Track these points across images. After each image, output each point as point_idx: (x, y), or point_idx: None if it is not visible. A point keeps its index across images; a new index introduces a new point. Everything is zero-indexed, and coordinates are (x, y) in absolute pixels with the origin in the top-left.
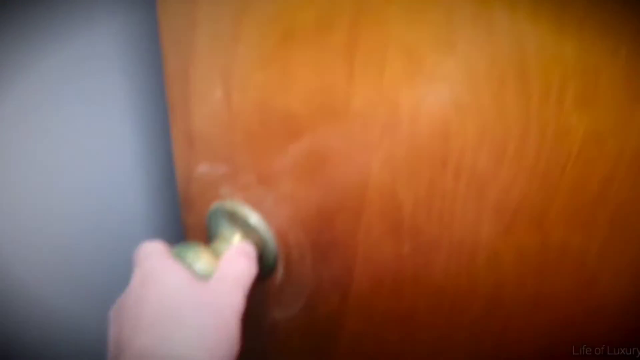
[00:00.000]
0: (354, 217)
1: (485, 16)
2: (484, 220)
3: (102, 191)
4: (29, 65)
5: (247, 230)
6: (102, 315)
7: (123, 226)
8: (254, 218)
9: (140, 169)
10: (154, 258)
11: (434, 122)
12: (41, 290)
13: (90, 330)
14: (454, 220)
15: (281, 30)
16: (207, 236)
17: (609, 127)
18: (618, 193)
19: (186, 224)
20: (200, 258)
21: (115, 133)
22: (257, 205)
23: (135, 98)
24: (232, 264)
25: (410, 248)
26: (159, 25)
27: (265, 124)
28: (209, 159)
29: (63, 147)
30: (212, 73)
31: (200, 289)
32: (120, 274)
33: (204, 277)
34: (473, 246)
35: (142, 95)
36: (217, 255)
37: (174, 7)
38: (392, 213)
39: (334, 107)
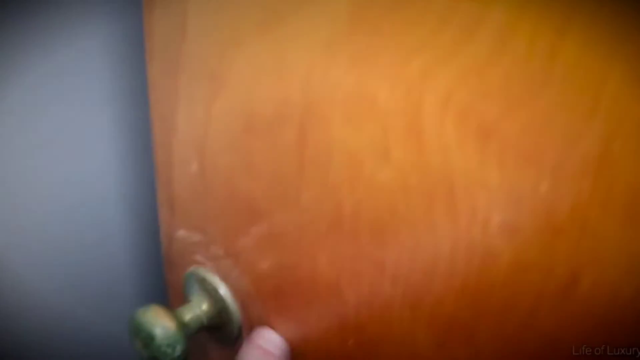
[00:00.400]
0: (305, 305)
1: (415, 132)
2: (419, 330)
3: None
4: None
5: (216, 299)
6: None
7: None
8: (222, 289)
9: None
10: None
11: (372, 227)
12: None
13: (75, 330)
14: (393, 325)
15: (244, 119)
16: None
17: (532, 257)
18: (543, 323)
19: (168, 280)
20: (157, 323)
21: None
22: (224, 277)
23: (118, 106)
24: None
25: (355, 343)
26: (149, 96)
27: (232, 202)
28: (186, 226)
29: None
30: (189, 147)
31: None
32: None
33: (161, 341)
34: (411, 352)
35: (125, 102)
36: (180, 320)
37: (161, 82)
38: (338, 307)
39: (287, 198)
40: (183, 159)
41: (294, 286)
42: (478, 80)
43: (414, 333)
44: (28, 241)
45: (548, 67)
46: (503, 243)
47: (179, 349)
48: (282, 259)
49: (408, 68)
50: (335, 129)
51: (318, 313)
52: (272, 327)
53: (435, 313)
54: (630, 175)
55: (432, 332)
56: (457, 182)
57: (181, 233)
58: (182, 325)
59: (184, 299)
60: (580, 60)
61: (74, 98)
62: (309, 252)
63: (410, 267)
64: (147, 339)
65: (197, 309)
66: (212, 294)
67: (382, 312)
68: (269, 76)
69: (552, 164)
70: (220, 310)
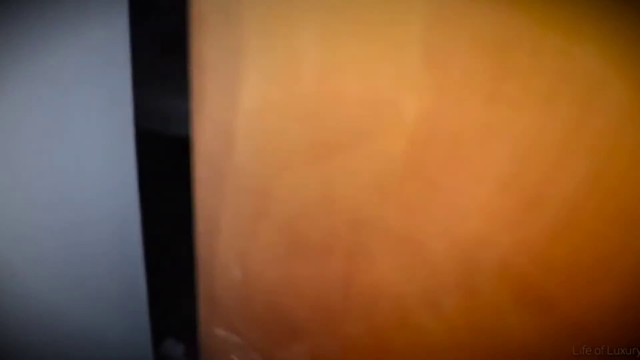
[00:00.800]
0: None
1: (469, 290)
2: None
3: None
4: None
5: None
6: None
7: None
8: None
9: None
10: None
11: None
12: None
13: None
14: None
15: (289, 240)
16: None
17: None
18: None
19: None
20: None
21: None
22: None
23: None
24: None
25: None
26: (194, 200)
27: (274, 315)
28: (226, 326)
29: None
30: (233, 253)
31: None
32: None
33: None
34: None
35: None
36: None
37: (205, 183)
38: None
39: (331, 326)
40: (225, 262)
41: None
42: (542, 253)
43: None
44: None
45: (619, 249)
46: None
47: None
48: None
49: (464, 228)
50: (383, 271)
51: None
52: None
53: None
54: None
55: None
56: (513, 349)
57: (220, 332)
58: None
59: None
60: None
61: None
62: None
63: None
64: None
65: None
66: None
67: None
68: (317, 206)
69: (621, 347)
70: None
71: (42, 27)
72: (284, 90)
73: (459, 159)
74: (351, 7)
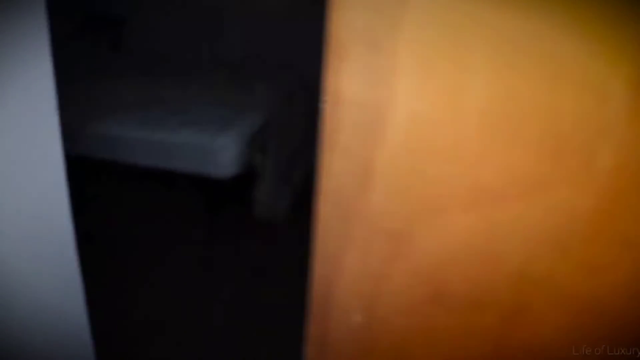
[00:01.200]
0: None
1: None
2: None
3: None
4: None
5: None
6: None
7: None
8: None
9: None
10: None
11: None
12: None
13: None
14: None
15: (430, 289)
16: None
17: None
18: None
19: None
20: None
21: None
22: None
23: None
24: None
25: None
26: (315, 238)
27: None
28: None
29: None
30: (355, 296)
31: None
32: None
33: None
34: None
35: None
36: None
37: (330, 221)
38: None
39: None
40: (345, 304)
41: None
42: None
43: None
44: None
45: None
46: None
47: None
48: None
49: None
50: (548, 332)
51: None
52: None
53: None
54: None
55: None
56: None
57: None
58: None
59: None
60: None
61: None
62: None
63: None
64: None
65: None
66: None
67: None
68: (470, 256)
69: None
70: None
71: None
72: (440, 126)
73: None
74: (533, 40)
